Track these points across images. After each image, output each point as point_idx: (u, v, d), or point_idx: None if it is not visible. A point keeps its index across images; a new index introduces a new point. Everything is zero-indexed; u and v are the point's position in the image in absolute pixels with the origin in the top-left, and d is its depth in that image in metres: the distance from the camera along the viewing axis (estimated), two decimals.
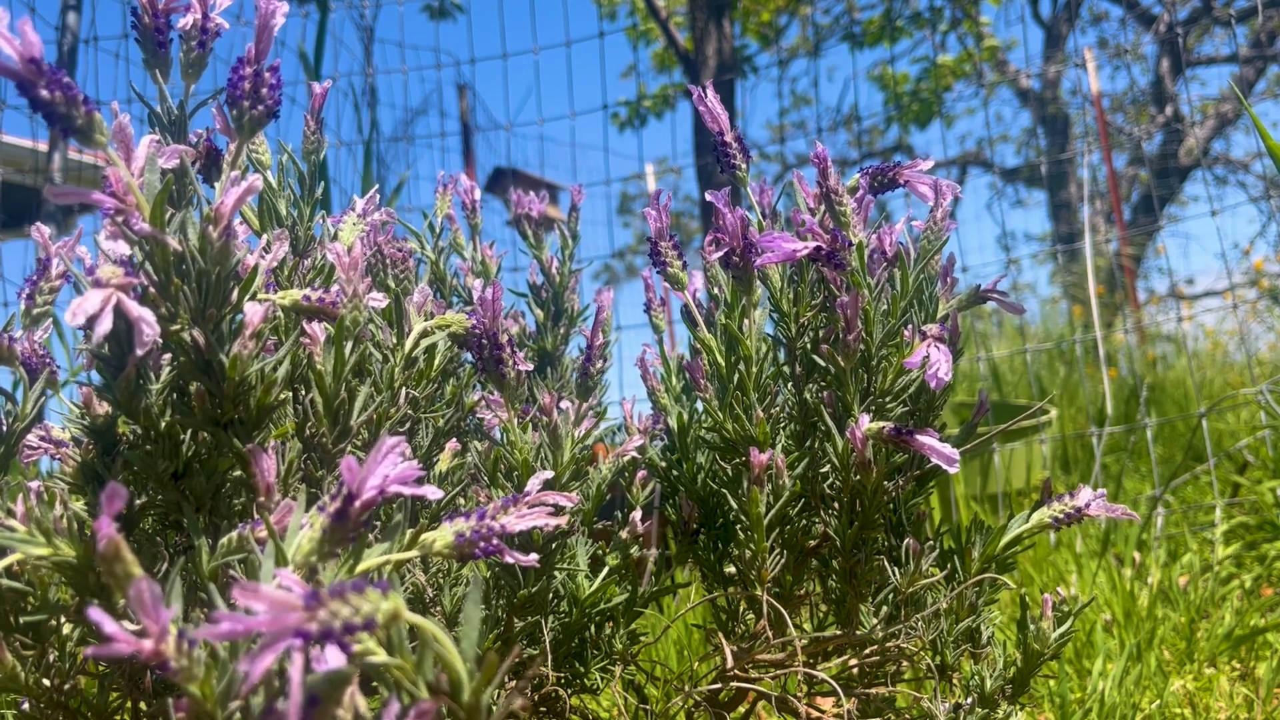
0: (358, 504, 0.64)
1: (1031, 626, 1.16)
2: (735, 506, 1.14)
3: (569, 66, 6.91)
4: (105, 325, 0.69)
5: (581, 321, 1.69)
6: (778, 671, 1.20)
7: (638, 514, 1.30)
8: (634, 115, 10.12)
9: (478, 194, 1.71)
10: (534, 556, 0.77)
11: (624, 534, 1.28)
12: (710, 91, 1.13)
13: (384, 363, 1.04)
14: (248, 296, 0.82)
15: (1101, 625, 2.06)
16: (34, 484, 0.79)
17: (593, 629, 1.24)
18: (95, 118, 0.71)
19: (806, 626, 1.31)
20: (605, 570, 1.22)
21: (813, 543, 1.23)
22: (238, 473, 0.88)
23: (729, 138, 1.15)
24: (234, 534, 0.80)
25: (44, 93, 0.68)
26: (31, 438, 0.96)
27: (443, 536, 0.73)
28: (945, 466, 1.02)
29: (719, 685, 1.23)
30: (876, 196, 1.18)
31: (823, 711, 1.28)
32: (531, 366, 1.11)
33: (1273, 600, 2.20)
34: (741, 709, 1.31)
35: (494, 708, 0.57)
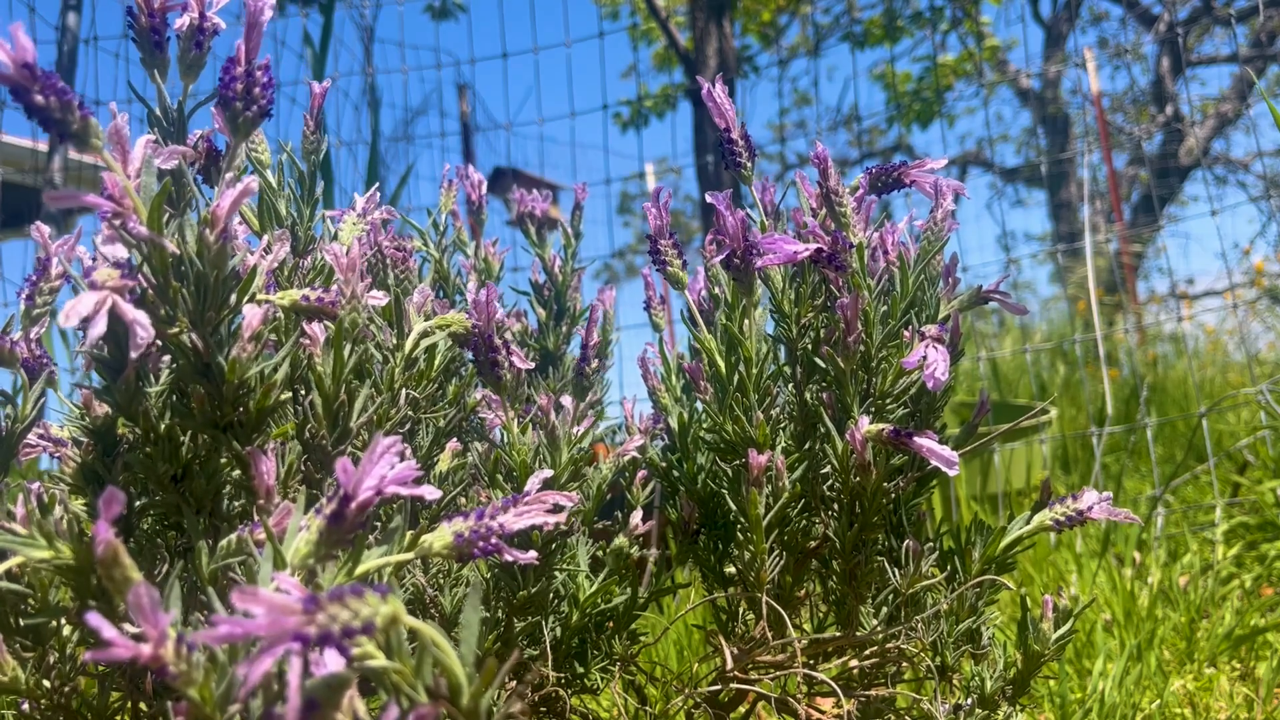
0: (354, 505, 0.64)
1: (1032, 627, 1.16)
2: (735, 507, 1.13)
3: (569, 66, 6.90)
4: (99, 328, 0.68)
5: (584, 320, 1.69)
6: (778, 672, 1.19)
7: (638, 514, 1.30)
8: (635, 115, 10.12)
9: (484, 188, 1.70)
10: (533, 554, 0.77)
11: (624, 535, 1.28)
12: (719, 87, 1.12)
13: (384, 363, 1.04)
14: (247, 298, 0.82)
15: (1101, 625, 2.06)
16: (34, 485, 0.78)
17: (593, 629, 1.24)
18: (90, 122, 0.71)
19: (806, 627, 1.31)
20: (605, 571, 1.22)
21: (813, 544, 1.23)
22: (237, 474, 0.88)
23: (736, 135, 1.14)
24: (233, 536, 0.80)
25: (38, 98, 0.68)
26: (31, 437, 0.96)
27: (441, 537, 0.72)
28: (945, 469, 1.02)
29: (719, 686, 1.23)
30: (880, 197, 1.17)
31: (823, 712, 1.28)
32: (533, 365, 1.10)
33: (1273, 600, 2.20)
34: (741, 709, 1.30)
35: (494, 710, 0.57)
